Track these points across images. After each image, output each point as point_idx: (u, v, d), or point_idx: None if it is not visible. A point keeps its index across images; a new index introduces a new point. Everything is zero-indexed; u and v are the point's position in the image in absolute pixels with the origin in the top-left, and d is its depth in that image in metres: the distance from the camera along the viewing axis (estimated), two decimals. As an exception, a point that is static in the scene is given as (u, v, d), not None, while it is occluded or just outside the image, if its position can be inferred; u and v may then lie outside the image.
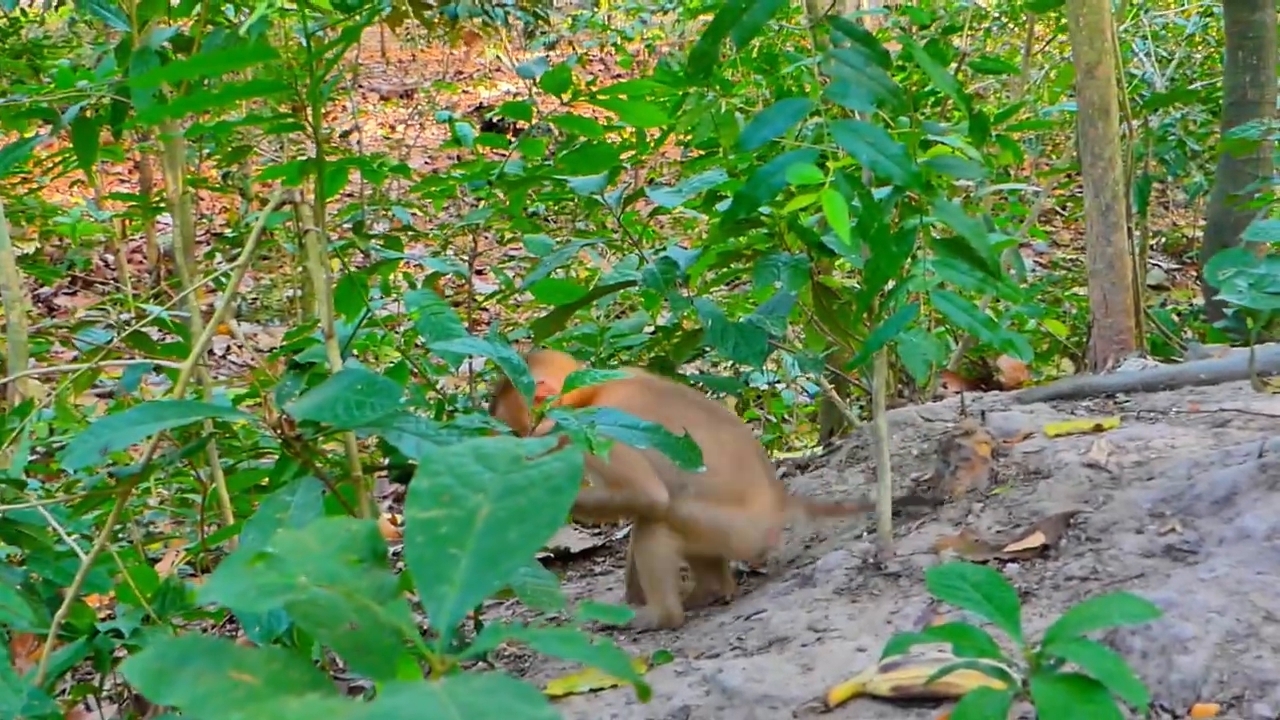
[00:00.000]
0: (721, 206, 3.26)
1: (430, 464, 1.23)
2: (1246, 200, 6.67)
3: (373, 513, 2.24)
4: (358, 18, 2.11)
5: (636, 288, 3.27)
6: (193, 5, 2.88)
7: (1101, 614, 1.64)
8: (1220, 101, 7.96)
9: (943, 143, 3.02)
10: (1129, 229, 4.12)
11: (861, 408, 5.12)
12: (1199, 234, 10.84)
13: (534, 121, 4.22)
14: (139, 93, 2.61)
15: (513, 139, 4.54)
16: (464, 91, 14.66)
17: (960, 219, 2.35)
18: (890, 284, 2.45)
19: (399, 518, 4.54)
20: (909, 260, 2.44)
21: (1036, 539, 2.49)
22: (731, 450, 2.86)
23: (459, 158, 9.53)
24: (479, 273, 8.10)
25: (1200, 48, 10.00)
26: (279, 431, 2.13)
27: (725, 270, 3.68)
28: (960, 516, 2.73)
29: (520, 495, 1.20)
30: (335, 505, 2.24)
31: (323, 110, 2.85)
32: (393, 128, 14.03)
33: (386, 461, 2.40)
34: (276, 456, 2.29)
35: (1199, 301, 9.72)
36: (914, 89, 5.21)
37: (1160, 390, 3.45)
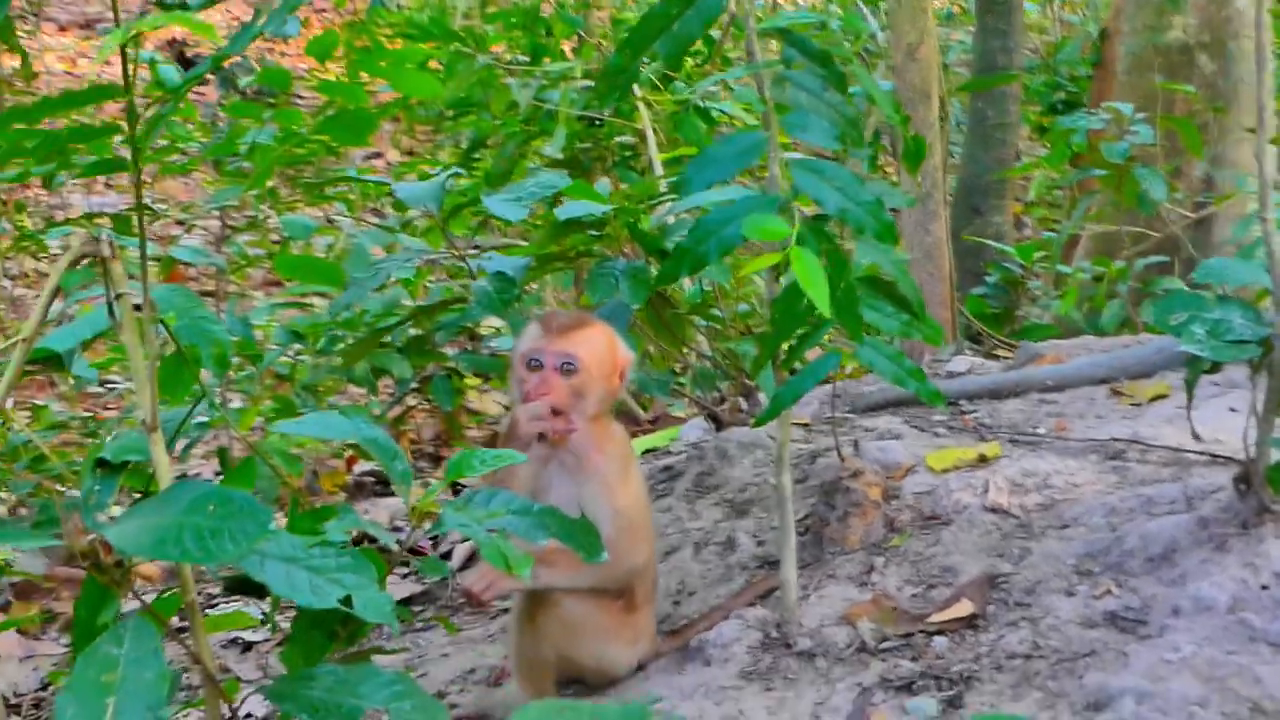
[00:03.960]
0: (560, 211, 2.86)
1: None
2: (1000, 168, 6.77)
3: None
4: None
5: (470, 308, 2.84)
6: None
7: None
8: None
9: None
10: (946, 217, 3.95)
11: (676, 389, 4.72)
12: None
13: (292, 90, 3.75)
14: None
15: (197, 63, 4.06)
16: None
17: (888, 259, 2.06)
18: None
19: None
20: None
21: (964, 608, 2.24)
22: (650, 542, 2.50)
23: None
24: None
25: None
26: (90, 560, 1.64)
27: (544, 270, 3.30)
28: (862, 574, 2.45)
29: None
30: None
31: None
32: (74, 61, 12.76)
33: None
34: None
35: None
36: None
37: (1008, 398, 3.28)
